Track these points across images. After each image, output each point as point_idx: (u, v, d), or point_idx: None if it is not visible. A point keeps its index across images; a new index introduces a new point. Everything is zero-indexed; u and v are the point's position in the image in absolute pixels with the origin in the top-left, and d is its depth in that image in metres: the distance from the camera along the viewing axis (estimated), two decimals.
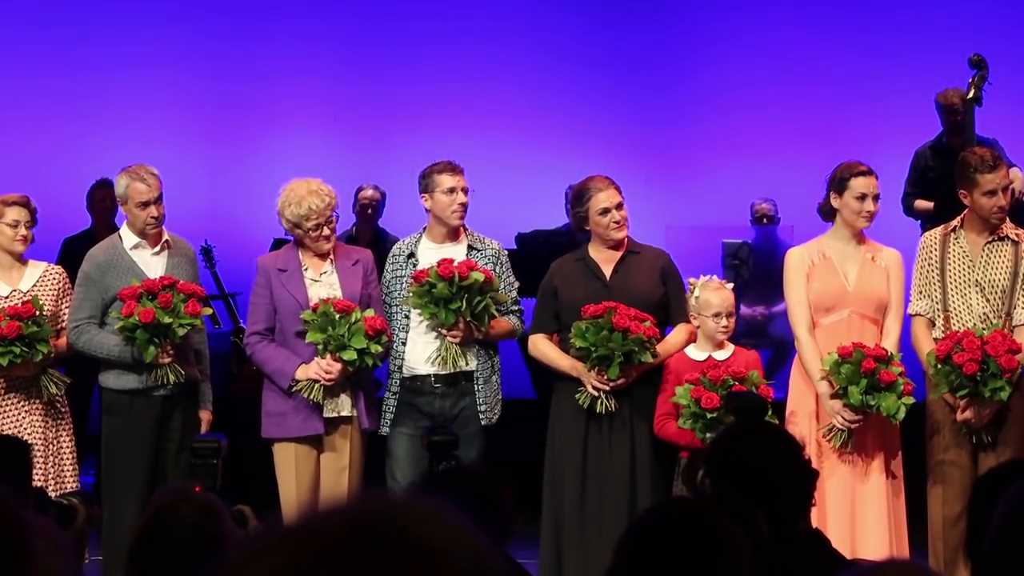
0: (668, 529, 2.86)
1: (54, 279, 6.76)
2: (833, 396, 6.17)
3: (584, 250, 6.60)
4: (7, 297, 6.64)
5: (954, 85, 8.72)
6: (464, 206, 6.65)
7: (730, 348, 6.40)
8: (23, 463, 4.35)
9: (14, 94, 11.30)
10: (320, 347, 6.37)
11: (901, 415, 6.12)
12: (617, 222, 6.49)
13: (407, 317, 6.61)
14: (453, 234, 6.71)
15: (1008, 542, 2.46)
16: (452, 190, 6.63)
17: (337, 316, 6.34)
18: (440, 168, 6.69)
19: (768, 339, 9.39)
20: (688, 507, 2.97)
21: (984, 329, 6.20)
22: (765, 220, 10.06)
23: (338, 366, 6.36)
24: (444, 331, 6.50)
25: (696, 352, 6.39)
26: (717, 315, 6.36)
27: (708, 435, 5.96)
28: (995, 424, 6.22)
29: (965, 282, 6.34)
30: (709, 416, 6.03)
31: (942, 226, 6.50)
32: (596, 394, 6.30)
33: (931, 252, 6.42)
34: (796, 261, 6.44)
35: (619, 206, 6.51)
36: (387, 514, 1.31)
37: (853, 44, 11.35)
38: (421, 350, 6.58)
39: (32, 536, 1.60)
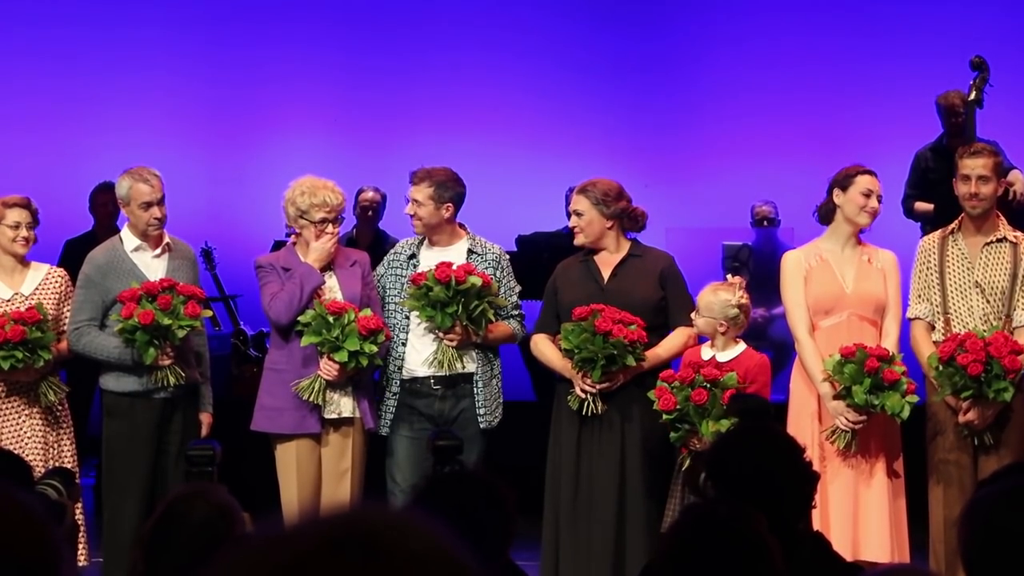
0: (707, 536, 2.89)
1: (56, 282, 6.74)
2: (836, 397, 6.16)
3: (589, 251, 6.59)
4: (9, 300, 6.62)
5: (955, 87, 8.72)
6: (413, 215, 6.61)
7: (739, 348, 6.35)
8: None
9: (17, 96, 11.29)
10: (320, 349, 6.36)
11: (905, 413, 6.10)
12: None
13: (407, 318, 6.60)
14: (452, 237, 6.68)
15: (994, 547, 2.48)
16: (408, 200, 6.64)
17: (331, 319, 6.32)
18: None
19: (768, 341, 9.38)
20: (727, 514, 2.98)
21: (985, 331, 6.20)
22: (765, 222, 10.06)
23: (337, 366, 6.35)
24: (441, 334, 6.50)
25: (707, 351, 6.36)
26: (713, 317, 6.35)
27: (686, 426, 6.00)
28: (996, 426, 6.21)
29: (965, 284, 6.34)
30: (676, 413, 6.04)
31: (940, 230, 6.51)
32: (583, 396, 6.28)
33: (930, 255, 6.42)
34: (793, 264, 6.44)
35: None
36: (367, 526, 1.31)
37: (853, 46, 11.35)
38: (420, 352, 6.57)
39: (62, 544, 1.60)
